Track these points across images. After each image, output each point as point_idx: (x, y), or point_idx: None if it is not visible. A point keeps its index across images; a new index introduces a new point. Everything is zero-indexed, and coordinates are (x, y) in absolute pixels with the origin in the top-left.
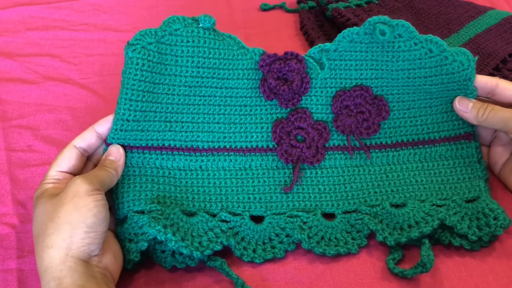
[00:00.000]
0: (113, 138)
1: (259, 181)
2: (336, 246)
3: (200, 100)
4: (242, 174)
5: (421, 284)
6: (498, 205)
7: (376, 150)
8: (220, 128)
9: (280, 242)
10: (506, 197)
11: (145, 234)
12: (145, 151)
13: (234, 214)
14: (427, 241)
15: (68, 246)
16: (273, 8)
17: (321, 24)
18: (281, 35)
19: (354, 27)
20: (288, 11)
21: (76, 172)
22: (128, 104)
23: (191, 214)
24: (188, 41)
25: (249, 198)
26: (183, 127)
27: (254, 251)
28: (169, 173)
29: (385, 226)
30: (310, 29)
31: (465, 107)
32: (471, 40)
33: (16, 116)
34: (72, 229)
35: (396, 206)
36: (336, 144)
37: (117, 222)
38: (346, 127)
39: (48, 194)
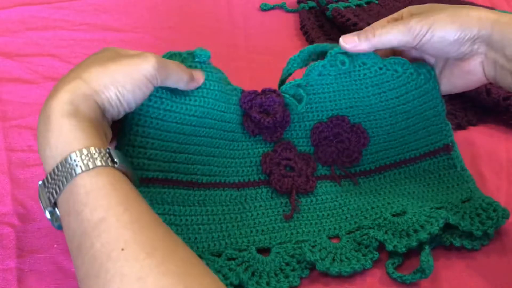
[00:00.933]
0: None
1: (257, 214)
2: (349, 264)
3: (200, 131)
4: (239, 209)
5: None
6: (493, 199)
7: (362, 176)
8: (215, 161)
9: (293, 270)
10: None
11: None
12: (149, 185)
13: (240, 250)
14: (427, 247)
15: (101, 88)
16: (273, 8)
17: (321, 24)
18: (281, 35)
19: (319, 60)
20: (288, 11)
21: None
22: (135, 129)
23: None
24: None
25: (251, 231)
26: (185, 158)
27: (268, 284)
28: (169, 209)
29: (391, 236)
30: (310, 29)
31: (352, 40)
32: None
33: (16, 116)
34: (117, 82)
35: (397, 215)
36: (323, 174)
37: None
38: (327, 158)
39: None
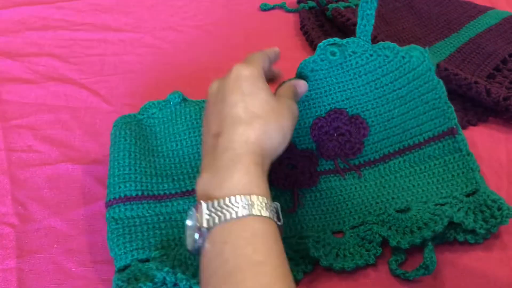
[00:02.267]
0: (111, 193)
1: None
2: (352, 260)
3: (185, 153)
4: None
5: (424, 285)
6: (498, 195)
7: (367, 167)
8: None
9: (296, 265)
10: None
11: (149, 277)
12: (143, 201)
13: None
14: (430, 244)
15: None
16: (273, 8)
17: (321, 24)
18: (281, 35)
19: (309, 56)
20: (288, 11)
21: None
22: (122, 160)
23: None
24: (164, 120)
25: None
26: (174, 179)
27: None
28: (170, 217)
29: (395, 232)
30: (310, 29)
31: None
32: (471, 40)
33: (16, 116)
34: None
35: (401, 211)
36: (327, 169)
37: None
38: (330, 152)
39: (267, 87)
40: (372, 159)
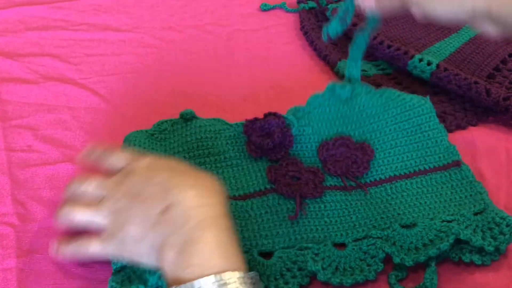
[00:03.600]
0: None
1: (262, 219)
2: (352, 275)
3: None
4: (245, 216)
5: None
6: (506, 213)
7: (373, 186)
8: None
9: (293, 277)
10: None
11: (142, 280)
12: None
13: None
14: (433, 264)
15: None
16: (273, 8)
17: (321, 24)
18: (281, 35)
19: (316, 93)
20: (288, 11)
21: None
22: None
23: None
24: (174, 135)
25: (254, 235)
26: None
27: None
28: None
29: (399, 248)
30: (310, 29)
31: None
32: (471, 40)
33: (16, 116)
34: None
35: (406, 226)
36: (333, 184)
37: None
38: (337, 170)
39: None
40: (378, 179)
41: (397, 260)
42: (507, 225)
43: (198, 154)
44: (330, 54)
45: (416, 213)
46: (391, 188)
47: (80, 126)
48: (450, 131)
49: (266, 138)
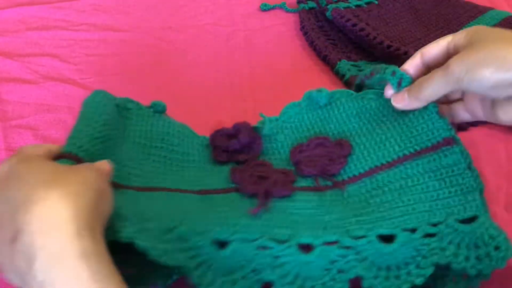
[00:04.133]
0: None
1: (223, 209)
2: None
3: (153, 156)
4: (203, 205)
5: None
6: (500, 229)
7: (351, 183)
8: (176, 176)
9: (243, 278)
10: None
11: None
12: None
13: (196, 232)
14: None
15: None
16: (273, 8)
17: (321, 24)
18: (281, 35)
19: (294, 102)
20: (288, 11)
21: None
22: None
23: None
24: (138, 119)
25: (212, 220)
26: (131, 173)
27: (212, 282)
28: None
29: (371, 264)
30: (310, 29)
31: (403, 99)
32: None
33: (16, 116)
34: None
35: (384, 237)
36: (305, 186)
37: None
38: (311, 170)
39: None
40: (357, 173)
41: (366, 284)
42: (496, 248)
43: (161, 147)
44: (330, 54)
45: (397, 218)
46: (371, 182)
47: None
48: None
49: (232, 139)
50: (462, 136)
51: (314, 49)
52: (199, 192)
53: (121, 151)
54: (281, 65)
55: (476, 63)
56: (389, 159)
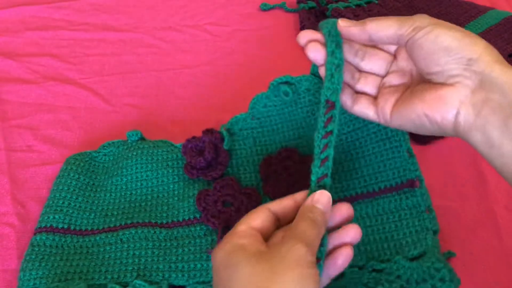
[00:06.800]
0: (40, 222)
1: (183, 250)
2: None
3: (128, 188)
4: (166, 245)
5: None
6: (446, 262)
7: None
8: (145, 208)
9: None
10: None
11: None
12: (66, 234)
13: (151, 283)
14: None
15: None
16: (273, 8)
17: None
18: (281, 35)
19: (262, 92)
20: (288, 11)
21: (265, 234)
22: (58, 193)
23: (100, 286)
24: (118, 157)
25: (170, 266)
26: (107, 215)
27: None
28: (87, 251)
29: None
30: (310, 29)
31: (348, 21)
32: None
33: (16, 116)
34: None
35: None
36: None
37: None
38: (277, 191)
39: (249, 253)
40: None
41: None
42: (441, 280)
43: (136, 178)
44: None
45: None
46: None
47: (80, 126)
48: None
49: (199, 156)
50: None
51: None
52: (168, 225)
53: (100, 197)
54: (281, 65)
55: (445, 25)
56: (353, 193)
